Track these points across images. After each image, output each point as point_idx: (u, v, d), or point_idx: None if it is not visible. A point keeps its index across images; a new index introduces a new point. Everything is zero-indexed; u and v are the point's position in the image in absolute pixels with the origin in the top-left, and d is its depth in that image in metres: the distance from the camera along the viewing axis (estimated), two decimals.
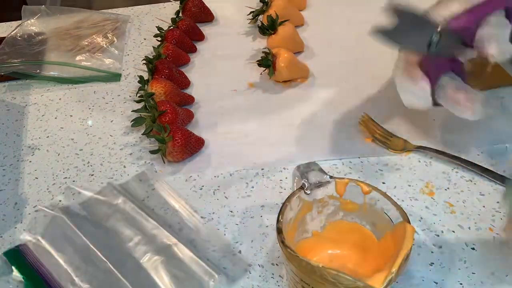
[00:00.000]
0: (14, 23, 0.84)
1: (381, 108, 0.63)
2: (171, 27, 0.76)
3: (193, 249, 0.47)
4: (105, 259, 0.46)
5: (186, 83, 0.69)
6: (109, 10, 0.87)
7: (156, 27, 0.75)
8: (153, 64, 0.66)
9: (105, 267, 0.45)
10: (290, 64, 0.66)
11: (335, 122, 0.61)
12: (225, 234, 0.49)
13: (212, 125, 0.63)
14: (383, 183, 0.53)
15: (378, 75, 0.69)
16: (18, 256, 0.47)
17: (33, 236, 0.49)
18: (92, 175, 0.57)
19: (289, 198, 0.41)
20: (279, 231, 0.38)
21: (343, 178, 0.42)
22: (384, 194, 0.40)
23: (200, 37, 0.79)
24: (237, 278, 0.45)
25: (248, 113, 0.64)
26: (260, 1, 0.78)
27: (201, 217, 0.51)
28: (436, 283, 0.44)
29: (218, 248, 0.48)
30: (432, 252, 0.46)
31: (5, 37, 0.78)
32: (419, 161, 0.56)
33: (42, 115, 0.66)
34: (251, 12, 0.79)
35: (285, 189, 0.53)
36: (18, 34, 0.79)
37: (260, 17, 0.78)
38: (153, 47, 0.72)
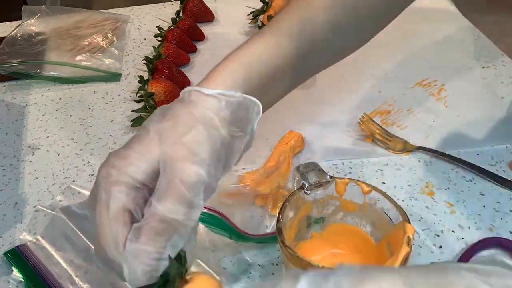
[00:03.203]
0: (14, 23, 0.84)
1: (381, 108, 0.63)
2: (171, 27, 0.76)
3: (193, 250, 0.47)
4: None
5: (186, 83, 0.69)
6: (109, 10, 0.87)
7: (156, 27, 0.76)
8: (153, 64, 0.66)
9: None
10: None
11: (335, 122, 0.61)
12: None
13: None
14: (383, 183, 0.53)
15: (378, 75, 0.69)
16: (18, 256, 0.47)
17: (33, 236, 0.49)
18: (92, 175, 0.57)
19: (289, 198, 0.41)
20: (279, 231, 0.38)
21: (343, 178, 0.42)
22: (384, 194, 0.40)
23: (201, 37, 0.79)
24: (237, 278, 0.45)
25: None
26: (261, 1, 0.78)
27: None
28: None
29: (218, 248, 0.47)
30: (432, 252, 0.46)
31: (5, 37, 0.78)
32: (419, 161, 0.56)
33: (42, 115, 0.66)
34: (251, 12, 0.79)
35: None
36: (18, 34, 0.79)
37: (261, 17, 0.78)
38: (153, 47, 0.72)
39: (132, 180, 0.30)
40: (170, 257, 0.30)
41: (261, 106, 0.35)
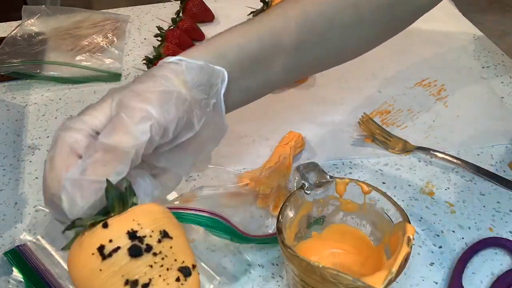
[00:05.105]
0: (14, 23, 0.84)
1: (381, 108, 0.63)
2: (172, 27, 0.76)
3: (193, 250, 0.47)
4: None
5: None
6: (109, 10, 0.87)
7: (157, 27, 0.75)
8: (153, 64, 0.66)
9: None
10: None
11: (335, 122, 0.61)
12: None
13: None
14: (383, 183, 0.53)
15: (378, 75, 0.69)
16: (18, 256, 0.47)
17: (33, 236, 0.49)
18: None
19: (289, 198, 0.41)
20: (279, 231, 0.38)
21: (343, 178, 0.42)
22: (384, 194, 0.40)
23: (201, 37, 0.79)
24: (237, 278, 0.45)
25: (248, 113, 0.64)
26: (261, 1, 0.78)
27: None
28: (436, 283, 0.44)
29: (218, 248, 0.47)
30: (432, 252, 0.46)
31: (5, 37, 0.78)
32: (419, 161, 0.56)
33: (42, 115, 0.66)
34: (251, 12, 0.79)
35: None
36: (18, 34, 0.79)
37: None
38: (153, 47, 0.72)
39: (87, 127, 0.30)
40: (108, 180, 0.29)
41: (226, 74, 0.36)
